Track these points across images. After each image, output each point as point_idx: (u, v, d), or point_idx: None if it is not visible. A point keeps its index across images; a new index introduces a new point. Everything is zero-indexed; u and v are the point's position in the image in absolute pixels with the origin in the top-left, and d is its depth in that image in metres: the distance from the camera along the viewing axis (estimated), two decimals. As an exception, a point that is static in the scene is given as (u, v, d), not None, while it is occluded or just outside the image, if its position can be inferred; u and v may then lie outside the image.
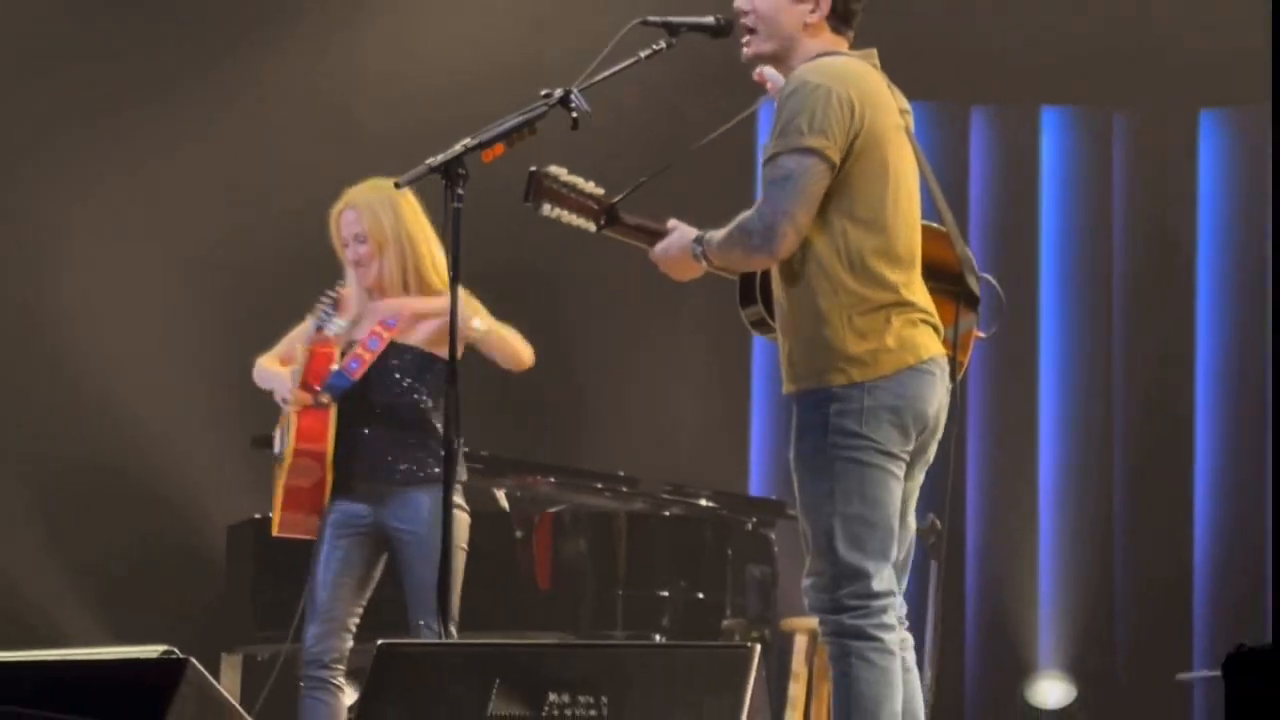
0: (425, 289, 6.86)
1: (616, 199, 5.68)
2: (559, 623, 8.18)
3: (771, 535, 8.93)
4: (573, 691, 4.66)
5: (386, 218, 6.85)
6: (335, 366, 6.85)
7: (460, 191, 5.72)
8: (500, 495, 8.87)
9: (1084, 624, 10.58)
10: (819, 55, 5.45)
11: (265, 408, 9.17)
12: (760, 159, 5.47)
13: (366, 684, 5.01)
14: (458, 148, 5.68)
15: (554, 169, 5.64)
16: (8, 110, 10.00)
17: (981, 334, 5.80)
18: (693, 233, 5.45)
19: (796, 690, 8.02)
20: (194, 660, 4.62)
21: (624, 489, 8.98)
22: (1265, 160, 10.83)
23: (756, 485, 10.43)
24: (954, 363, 5.54)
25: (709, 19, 5.71)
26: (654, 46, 5.79)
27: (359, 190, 6.92)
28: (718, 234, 5.38)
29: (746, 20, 5.51)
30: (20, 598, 9.33)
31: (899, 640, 5.37)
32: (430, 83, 9.73)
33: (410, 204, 6.89)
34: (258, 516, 8.61)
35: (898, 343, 5.31)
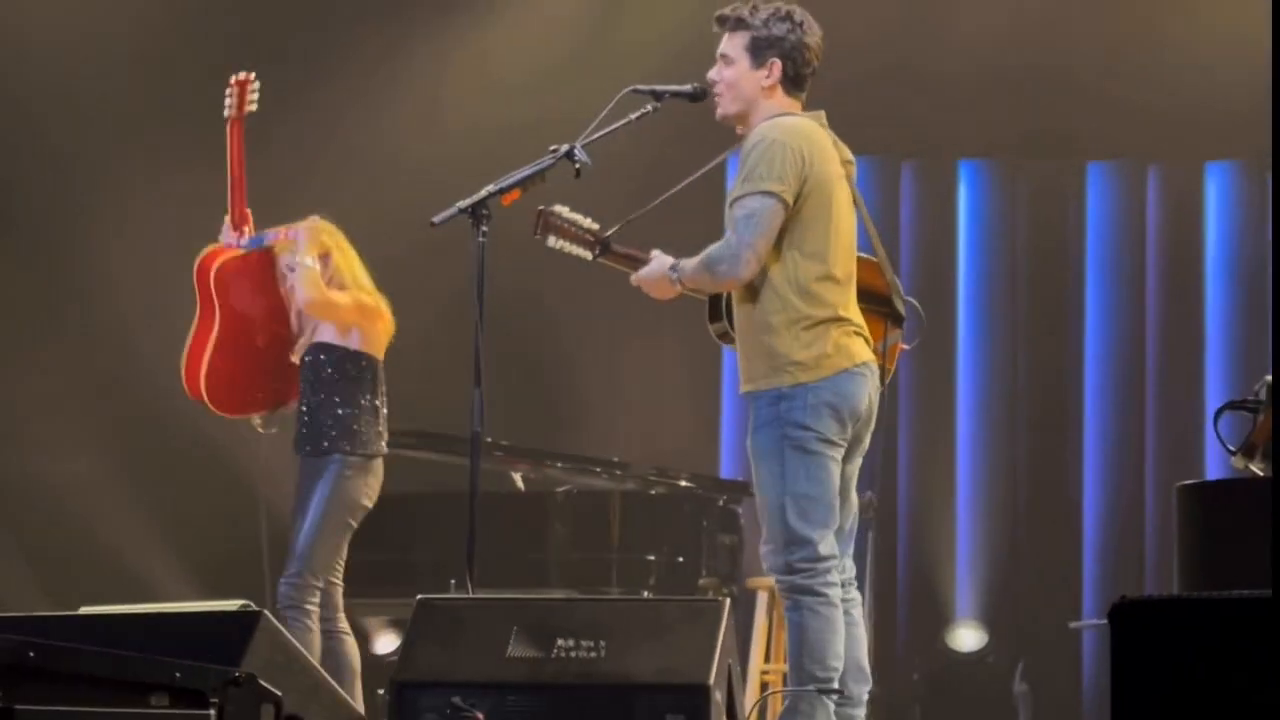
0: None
1: (609, 232, 5.68)
2: (565, 581, 8.15)
3: (739, 510, 8.91)
4: (577, 637, 4.65)
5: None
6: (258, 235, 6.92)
7: (484, 229, 5.71)
8: (517, 478, 8.85)
9: (993, 580, 10.56)
10: (776, 115, 5.46)
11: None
12: (727, 199, 5.49)
13: (408, 632, 4.99)
14: (482, 192, 5.66)
15: (558, 207, 5.65)
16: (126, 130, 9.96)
17: (905, 346, 5.80)
18: (669, 261, 5.47)
19: (758, 636, 8.01)
20: (267, 612, 4.61)
21: (617, 472, 8.95)
22: (1137, 205, 10.94)
23: (726, 469, 10.41)
24: (883, 370, 5.56)
25: (687, 87, 5.71)
26: (642, 110, 5.79)
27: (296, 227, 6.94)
28: (690, 262, 5.42)
29: (717, 87, 5.53)
30: (129, 563, 9.27)
31: (845, 597, 5.40)
32: (460, 136, 9.70)
33: (330, 234, 6.93)
34: (321, 495, 8.60)
35: (835, 350, 5.33)
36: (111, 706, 3.70)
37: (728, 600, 5.02)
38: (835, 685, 5.21)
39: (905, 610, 10.40)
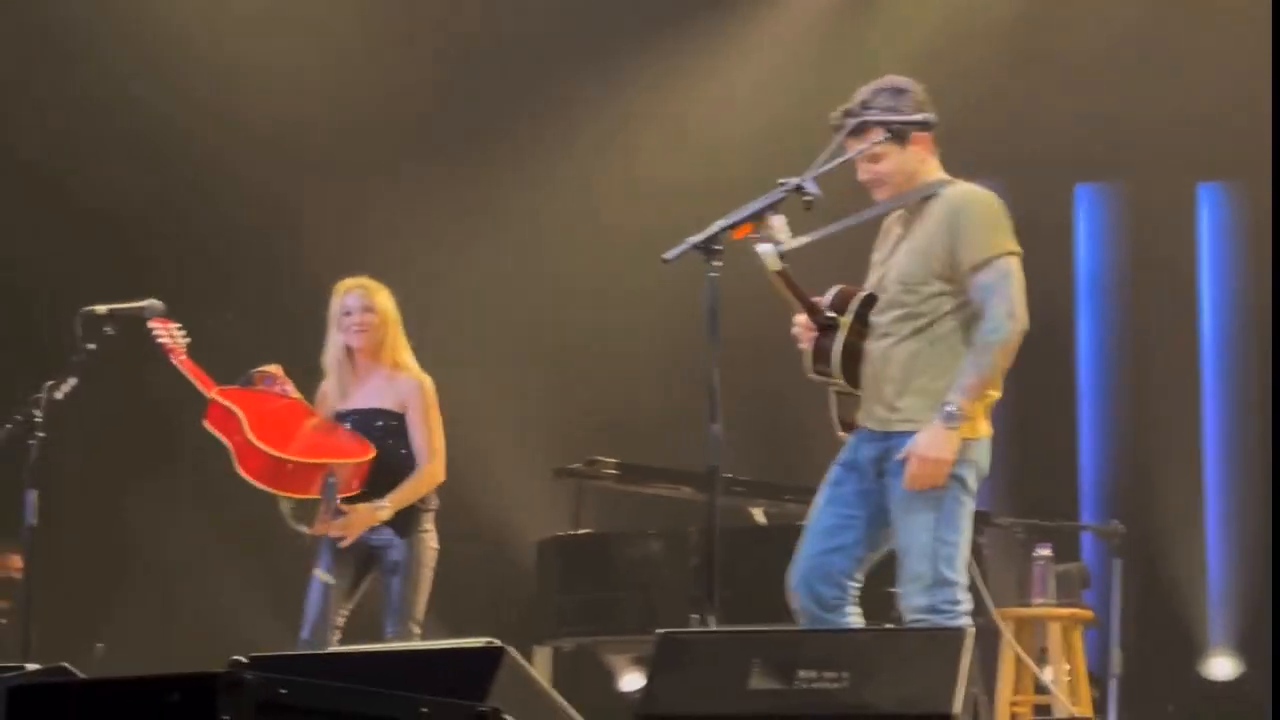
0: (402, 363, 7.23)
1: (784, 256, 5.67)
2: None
3: (982, 540, 8.83)
4: (819, 668, 4.62)
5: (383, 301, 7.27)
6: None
7: (717, 263, 5.67)
8: (757, 513, 8.86)
9: (1248, 607, 10.38)
10: (946, 178, 5.72)
11: (562, 449, 9.26)
12: (951, 260, 5.55)
13: (650, 667, 5.01)
14: (714, 228, 5.58)
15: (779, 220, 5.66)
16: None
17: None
18: (938, 420, 5.45)
19: (1006, 668, 7.94)
20: (511, 649, 4.66)
21: (860, 504, 8.90)
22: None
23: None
24: None
25: (918, 117, 5.73)
26: (872, 141, 5.78)
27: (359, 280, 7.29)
28: (968, 381, 5.44)
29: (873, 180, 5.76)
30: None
31: None
32: (694, 173, 9.80)
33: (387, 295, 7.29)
34: (560, 534, 8.68)
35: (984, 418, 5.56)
36: (362, 742, 3.77)
37: (971, 630, 4.97)
38: None
39: (1157, 639, 10.23)
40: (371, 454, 7.03)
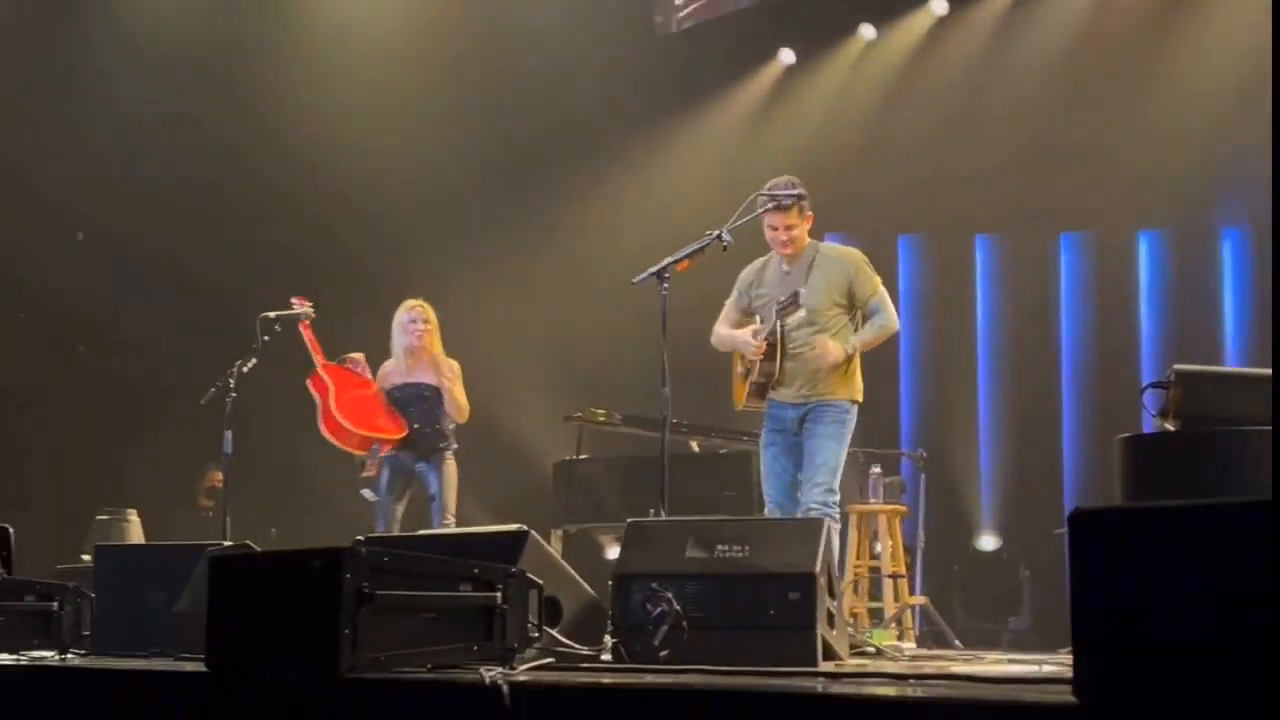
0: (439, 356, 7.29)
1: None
2: (723, 510, 8.07)
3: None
4: (730, 544, 4.62)
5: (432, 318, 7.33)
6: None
7: (666, 285, 5.68)
8: (693, 444, 8.83)
9: (1005, 503, 10.40)
10: (816, 241, 5.99)
11: (569, 403, 9.20)
12: (850, 290, 5.86)
13: (623, 542, 4.98)
14: (663, 262, 5.64)
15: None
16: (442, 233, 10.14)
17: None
18: (841, 345, 5.82)
19: (851, 544, 7.93)
20: (534, 532, 4.64)
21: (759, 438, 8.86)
22: (1094, 263, 10.73)
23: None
24: None
25: (795, 192, 5.74)
26: (765, 207, 5.78)
27: (418, 301, 7.39)
28: (862, 338, 5.86)
29: (787, 241, 5.89)
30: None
31: None
32: (656, 223, 9.75)
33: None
34: (567, 458, 8.63)
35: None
36: (435, 591, 3.76)
37: (826, 520, 4.97)
38: None
39: (946, 524, 10.25)
40: (403, 433, 7.14)
